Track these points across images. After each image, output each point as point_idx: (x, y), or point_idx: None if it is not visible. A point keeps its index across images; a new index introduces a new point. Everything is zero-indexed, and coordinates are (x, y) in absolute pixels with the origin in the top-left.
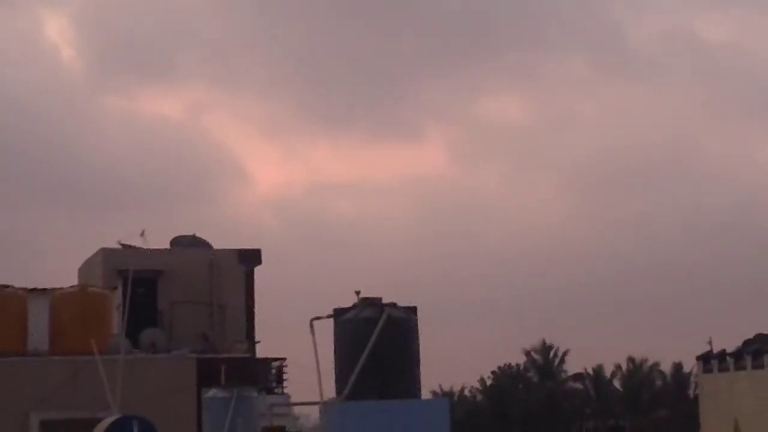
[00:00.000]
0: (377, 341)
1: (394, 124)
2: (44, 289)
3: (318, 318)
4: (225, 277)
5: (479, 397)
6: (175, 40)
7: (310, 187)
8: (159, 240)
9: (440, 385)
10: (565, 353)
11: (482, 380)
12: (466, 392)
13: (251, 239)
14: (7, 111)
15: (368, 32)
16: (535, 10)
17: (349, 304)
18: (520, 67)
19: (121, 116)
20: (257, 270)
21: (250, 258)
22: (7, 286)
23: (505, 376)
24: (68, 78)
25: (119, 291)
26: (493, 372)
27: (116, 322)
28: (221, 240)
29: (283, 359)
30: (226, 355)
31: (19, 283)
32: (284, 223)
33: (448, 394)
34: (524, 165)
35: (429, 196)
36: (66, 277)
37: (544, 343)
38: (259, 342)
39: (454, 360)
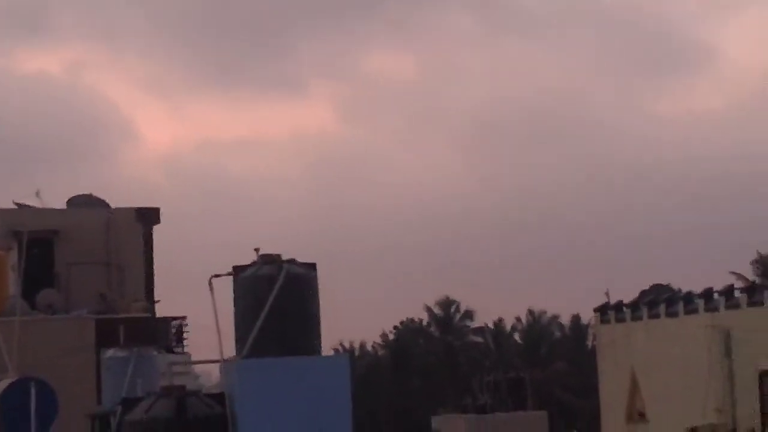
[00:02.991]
0: (277, 298)
1: (279, 80)
2: None
3: (217, 276)
4: (123, 236)
5: (381, 352)
6: None
7: (199, 144)
8: (54, 200)
9: (341, 342)
10: (467, 310)
11: (384, 335)
12: (369, 347)
13: (144, 197)
14: None
15: None
16: None
17: (247, 262)
18: (403, 21)
19: (2, 76)
20: (155, 228)
21: (149, 217)
22: None
23: (407, 331)
24: None
25: (14, 252)
26: (395, 327)
27: (12, 283)
28: (115, 199)
29: (183, 318)
30: (124, 315)
31: None
32: (175, 180)
33: (351, 350)
34: (412, 120)
35: (318, 152)
36: None
37: (446, 298)
38: (158, 301)
39: (356, 316)
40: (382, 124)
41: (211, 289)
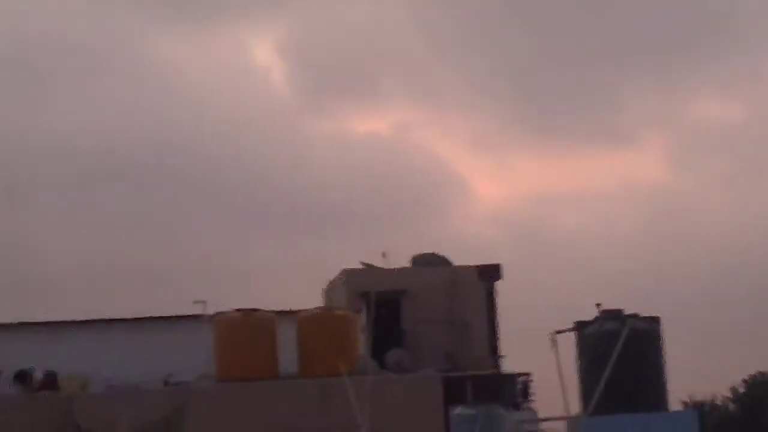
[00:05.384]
0: (621, 354)
1: (606, 131)
2: (291, 311)
3: (560, 331)
4: (466, 294)
5: (731, 407)
6: (378, 61)
7: (530, 198)
8: (395, 259)
9: (690, 396)
10: None
11: (734, 389)
12: (717, 402)
13: (480, 253)
14: (221, 141)
15: (573, 36)
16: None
17: (587, 316)
18: (739, 69)
19: (334, 138)
20: (497, 284)
21: (491, 273)
22: (256, 310)
23: (758, 385)
24: (279, 104)
25: (363, 313)
26: (744, 380)
27: (361, 343)
28: (452, 255)
29: (528, 374)
30: (471, 373)
31: (266, 306)
32: (510, 236)
33: (699, 405)
34: (744, 166)
35: (651, 202)
36: (309, 300)
37: None
38: (503, 357)
39: (703, 370)
40: (713, 171)
41: (554, 344)
